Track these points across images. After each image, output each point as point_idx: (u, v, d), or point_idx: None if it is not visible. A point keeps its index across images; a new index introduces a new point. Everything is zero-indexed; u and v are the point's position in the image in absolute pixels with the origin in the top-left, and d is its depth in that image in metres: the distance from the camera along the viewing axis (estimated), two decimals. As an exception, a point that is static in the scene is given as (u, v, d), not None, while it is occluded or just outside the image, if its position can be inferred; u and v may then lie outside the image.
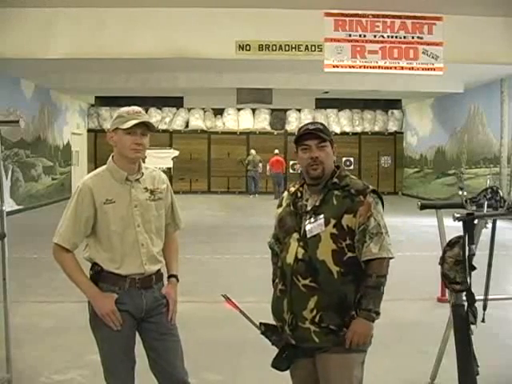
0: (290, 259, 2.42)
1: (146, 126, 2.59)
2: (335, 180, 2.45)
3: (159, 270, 2.70)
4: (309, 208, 2.45)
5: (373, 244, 2.34)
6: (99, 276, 2.58)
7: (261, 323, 2.55)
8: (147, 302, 2.62)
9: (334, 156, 2.50)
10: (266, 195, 19.69)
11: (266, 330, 2.53)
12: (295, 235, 2.44)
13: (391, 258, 2.38)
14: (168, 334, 2.67)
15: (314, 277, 2.36)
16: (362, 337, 2.33)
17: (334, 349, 2.36)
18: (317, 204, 2.43)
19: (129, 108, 2.63)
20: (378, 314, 2.36)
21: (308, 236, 2.39)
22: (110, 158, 2.67)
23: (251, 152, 20.43)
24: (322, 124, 2.51)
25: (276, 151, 20.04)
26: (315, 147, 2.43)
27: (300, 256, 2.39)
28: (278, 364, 2.49)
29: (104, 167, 2.68)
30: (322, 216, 2.38)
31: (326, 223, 2.36)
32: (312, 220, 2.40)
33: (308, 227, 2.40)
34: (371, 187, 2.45)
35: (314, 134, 2.43)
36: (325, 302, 2.35)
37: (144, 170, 2.70)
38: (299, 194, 2.52)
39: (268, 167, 20.03)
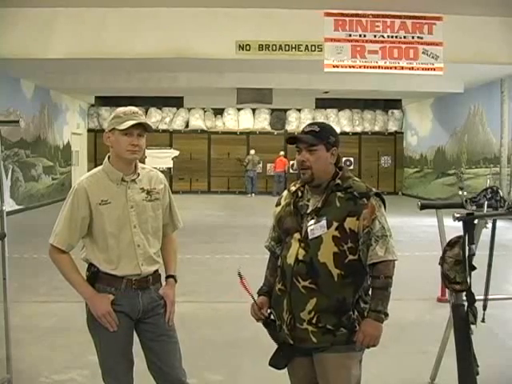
0: (290, 260, 2.41)
1: (142, 127, 2.57)
2: (338, 181, 2.43)
3: (157, 270, 2.69)
4: (310, 209, 2.44)
5: (378, 247, 2.34)
6: (96, 277, 2.58)
7: (268, 314, 2.53)
8: (144, 302, 2.61)
9: (333, 159, 2.45)
10: (266, 195, 19.70)
11: (270, 323, 2.51)
12: (296, 235, 2.42)
13: (395, 260, 2.38)
14: (165, 334, 2.66)
15: (314, 279, 2.36)
16: (373, 338, 2.33)
17: (331, 348, 2.36)
18: (319, 205, 2.41)
19: (126, 108, 2.61)
20: (386, 315, 2.35)
21: (310, 237, 2.37)
22: (106, 158, 2.65)
23: (250, 152, 20.46)
24: (319, 125, 2.47)
25: (281, 153, 20.17)
26: (305, 150, 2.41)
27: (301, 257, 2.38)
28: (276, 363, 2.49)
29: (100, 168, 2.67)
30: (324, 218, 2.37)
31: (329, 225, 2.35)
32: (314, 221, 2.38)
33: (310, 228, 2.38)
34: (374, 190, 2.44)
35: (301, 139, 2.43)
36: (323, 304, 2.35)
37: (141, 170, 2.68)
38: (300, 194, 2.50)
39: (270, 167, 20.15)
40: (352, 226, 2.35)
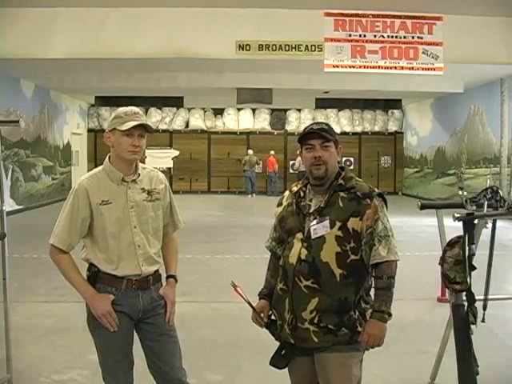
0: (292, 259, 2.41)
1: (143, 128, 2.57)
2: (341, 181, 2.44)
3: (157, 270, 2.69)
4: (313, 209, 2.44)
5: (381, 247, 2.35)
6: (96, 277, 2.58)
7: (267, 317, 2.54)
8: (144, 302, 2.61)
9: (339, 157, 2.50)
10: (265, 195, 19.73)
11: (271, 324, 2.52)
12: (299, 235, 2.43)
13: (398, 261, 2.39)
14: (165, 334, 2.66)
15: (316, 278, 2.36)
16: (378, 338, 2.34)
17: (332, 348, 2.36)
18: (322, 205, 2.42)
19: (127, 108, 2.61)
20: (390, 315, 2.36)
21: (312, 237, 2.38)
22: (107, 158, 2.65)
23: (248, 152, 20.46)
24: (326, 124, 2.51)
25: (272, 152, 20.18)
26: (319, 147, 2.43)
27: (303, 257, 2.38)
28: (276, 362, 2.49)
29: (100, 167, 2.67)
30: (327, 217, 2.37)
31: (332, 225, 2.36)
32: (317, 221, 2.39)
33: (312, 228, 2.39)
34: (377, 190, 2.46)
35: (317, 134, 2.44)
36: (325, 304, 2.35)
37: (141, 170, 2.68)
38: (302, 194, 2.51)
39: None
40: (355, 226, 2.36)
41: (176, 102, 18.55)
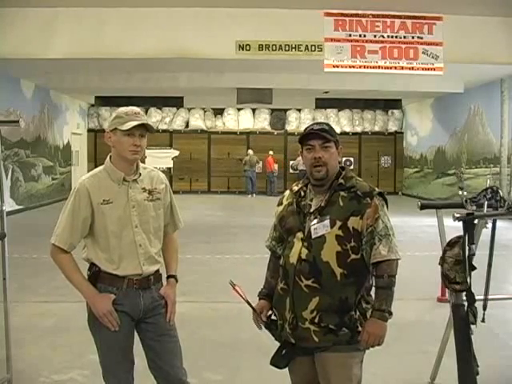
0: (293, 259, 2.41)
1: (144, 128, 2.58)
2: (341, 181, 2.45)
3: (158, 270, 2.70)
4: (313, 208, 2.44)
5: (382, 246, 2.35)
6: (97, 276, 2.58)
7: (267, 317, 2.54)
8: (145, 302, 2.61)
9: (339, 157, 2.50)
10: (265, 195, 19.73)
11: (271, 323, 2.52)
12: (299, 235, 2.43)
13: (398, 259, 2.39)
14: (166, 334, 2.66)
15: (316, 278, 2.36)
16: (378, 338, 2.34)
17: (332, 348, 2.36)
18: (322, 205, 2.42)
19: (127, 108, 2.61)
20: (390, 313, 2.36)
21: (313, 237, 2.38)
22: (108, 158, 2.65)
23: (248, 152, 20.46)
24: (327, 124, 2.51)
25: (270, 152, 20.19)
26: (319, 147, 2.43)
27: (304, 256, 2.39)
28: (277, 362, 2.49)
29: (101, 167, 2.67)
30: (327, 217, 2.37)
31: (332, 225, 2.36)
32: (317, 220, 2.39)
33: (313, 228, 2.39)
34: (377, 189, 2.46)
35: (318, 134, 2.43)
36: (326, 303, 2.35)
37: (142, 170, 2.68)
38: (302, 194, 2.51)
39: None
40: (355, 225, 2.36)
41: (176, 102, 18.56)
